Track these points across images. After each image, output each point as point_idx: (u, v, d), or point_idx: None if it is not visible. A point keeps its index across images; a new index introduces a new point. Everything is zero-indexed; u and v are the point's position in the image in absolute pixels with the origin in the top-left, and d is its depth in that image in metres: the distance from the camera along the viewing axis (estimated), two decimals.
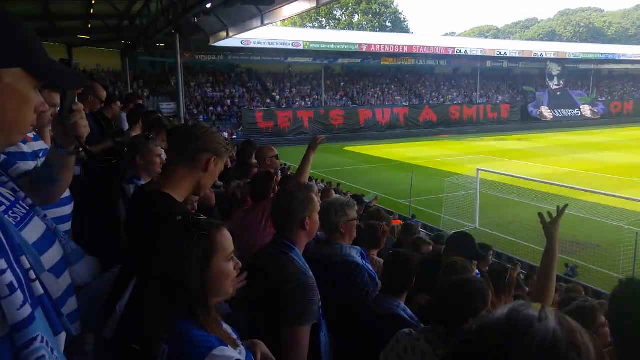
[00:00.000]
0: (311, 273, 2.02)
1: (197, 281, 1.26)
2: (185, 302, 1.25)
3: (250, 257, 2.13)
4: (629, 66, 52.15)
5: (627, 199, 11.94)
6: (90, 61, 28.89)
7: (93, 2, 13.83)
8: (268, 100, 35.91)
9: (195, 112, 31.37)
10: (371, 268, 2.58)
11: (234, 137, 27.88)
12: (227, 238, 1.35)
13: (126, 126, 4.72)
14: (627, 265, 9.05)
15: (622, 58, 48.94)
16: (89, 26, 17.98)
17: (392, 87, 42.74)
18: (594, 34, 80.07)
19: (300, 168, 3.63)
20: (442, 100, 42.51)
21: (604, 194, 13.09)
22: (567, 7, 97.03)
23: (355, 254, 2.51)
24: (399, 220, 10.81)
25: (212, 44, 21.78)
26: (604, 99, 49.13)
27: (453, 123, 40.22)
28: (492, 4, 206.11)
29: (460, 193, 14.69)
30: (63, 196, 2.20)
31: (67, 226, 2.20)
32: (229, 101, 34.42)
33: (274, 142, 26.41)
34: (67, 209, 2.19)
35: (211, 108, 33.06)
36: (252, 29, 17.02)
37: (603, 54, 48.42)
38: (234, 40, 26.09)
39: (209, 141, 1.78)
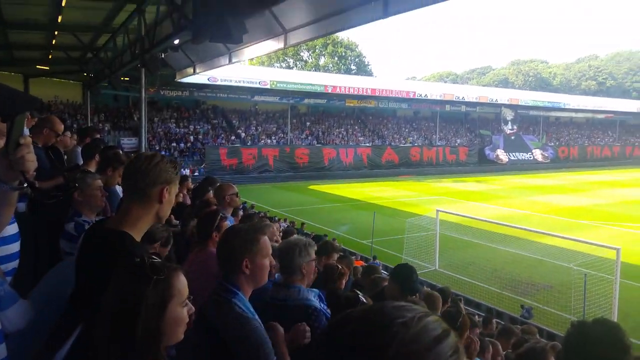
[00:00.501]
0: (257, 317, 1.93)
1: (152, 327, 1.22)
2: (137, 348, 1.20)
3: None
4: (572, 114, 55.66)
5: (577, 240, 12.44)
6: (48, 92, 28.13)
7: (56, 33, 13.65)
8: (233, 138, 35.86)
9: (158, 148, 30.91)
10: (328, 311, 2.51)
11: (196, 173, 27.58)
12: (182, 282, 1.32)
13: (81, 161, 4.56)
14: (578, 305, 9.32)
15: (566, 107, 52.05)
16: (49, 57, 17.66)
17: (356, 127, 43.68)
18: (542, 83, 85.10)
19: None
20: (403, 141, 43.70)
21: (555, 236, 13.59)
22: (518, 57, 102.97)
23: (313, 297, 2.45)
24: (361, 262, 10.84)
25: (179, 80, 21.77)
26: (552, 144, 51.77)
27: (414, 164, 41.26)
28: (451, 51, 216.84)
29: (420, 234, 14.92)
30: (8, 233, 2.10)
31: (13, 264, 2.10)
32: (192, 137, 34.14)
33: (237, 180, 26.29)
34: (14, 247, 2.09)
35: (174, 144, 32.67)
36: (219, 67, 17.16)
37: (550, 102, 51.47)
38: (200, 76, 26.19)
39: (156, 174, 1.72)
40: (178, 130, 34.32)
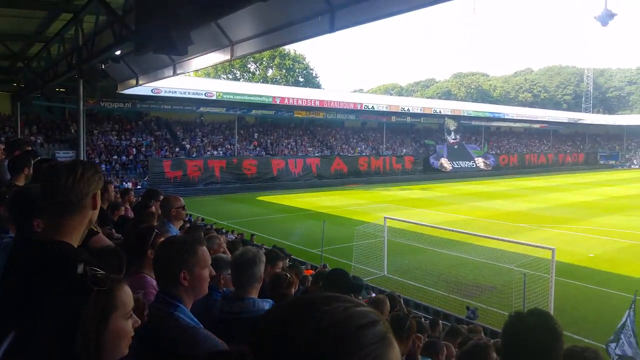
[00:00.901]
0: (202, 326, 1.88)
1: (92, 341, 1.16)
2: None
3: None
4: (511, 124, 58.85)
5: (516, 242, 13.08)
6: None
7: None
8: (177, 149, 35.03)
9: (98, 161, 29.69)
10: None
11: (139, 187, 26.70)
12: (127, 294, 1.28)
13: (8, 175, 4.28)
14: (519, 304, 9.77)
15: (506, 117, 54.92)
16: None
17: (305, 138, 43.92)
18: (483, 95, 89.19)
19: None
20: (351, 151, 44.39)
21: (497, 239, 14.23)
22: (460, 70, 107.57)
23: (268, 307, 2.42)
24: (310, 271, 10.85)
25: (120, 92, 21.06)
26: (493, 152, 54.31)
27: (362, 173, 41.96)
28: (396, 64, 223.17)
29: (369, 241, 15.15)
30: None
31: None
32: (134, 150, 33.05)
33: (182, 192, 25.67)
34: None
35: (115, 157, 31.51)
36: (163, 78, 16.76)
37: (491, 112, 54.03)
38: (143, 88, 25.46)
39: (85, 185, 1.65)
40: (119, 142, 33.13)
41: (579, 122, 64.05)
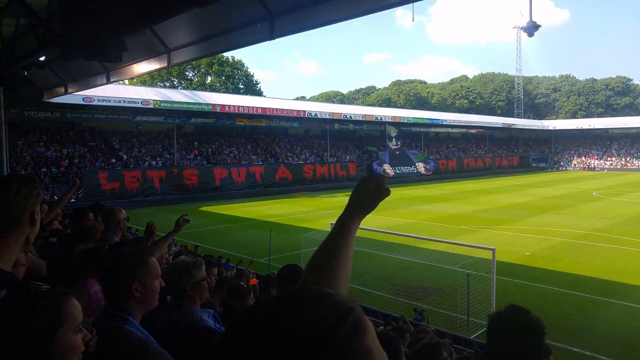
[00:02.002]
0: (152, 339, 1.80)
1: (40, 358, 1.10)
2: None
3: None
4: (449, 130, 61.34)
5: (458, 244, 13.49)
6: None
7: None
8: (114, 160, 33.49)
9: (24, 173, 27.83)
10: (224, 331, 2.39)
11: (73, 200, 25.22)
12: (76, 307, 1.22)
13: None
14: (463, 304, 10.01)
15: (444, 123, 57.07)
16: None
17: (248, 146, 43.39)
18: (421, 102, 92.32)
19: (157, 243, 3.41)
20: (296, 159, 44.34)
21: (440, 241, 14.63)
22: (399, 78, 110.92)
23: (207, 317, 2.35)
24: (255, 280, 10.58)
25: (47, 100, 19.80)
26: (433, 157, 56.19)
27: (307, 181, 41.98)
28: (338, 72, 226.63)
29: (316, 247, 15.06)
30: None
31: None
32: (66, 161, 31.24)
33: (120, 205, 24.46)
34: None
35: (44, 169, 29.62)
36: (96, 86, 15.94)
37: (430, 119, 55.93)
38: (74, 96, 24.17)
39: (21, 202, 1.54)
40: (49, 154, 31.19)
41: (512, 127, 67.84)
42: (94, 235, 3.65)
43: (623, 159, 67.26)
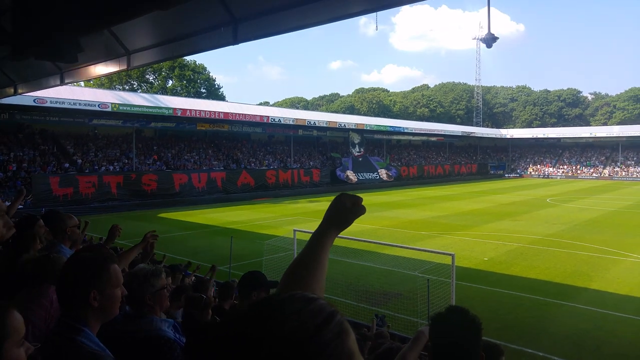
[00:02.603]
0: (109, 352, 1.72)
1: None
2: None
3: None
4: (411, 137, 62.61)
5: (419, 250, 13.66)
6: None
7: None
8: (67, 165, 32.20)
9: None
10: (184, 341, 2.33)
11: (20, 206, 24.05)
12: (18, 320, 1.20)
13: None
14: (424, 309, 10.16)
15: (405, 131, 58.16)
16: None
17: (209, 151, 42.76)
18: (384, 110, 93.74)
19: (123, 255, 3.33)
20: (258, 165, 44.03)
21: (401, 247, 14.80)
22: (362, 86, 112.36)
23: (166, 327, 2.27)
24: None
25: None
26: (395, 164, 57.10)
27: (270, 187, 41.74)
28: (302, 79, 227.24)
29: (279, 254, 14.98)
30: None
31: None
32: (14, 165, 29.79)
33: (74, 211, 23.55)
34: None
35: None
36: (49, 87, 15.31)
37: (392, 126, 56.91)
38: (24, 97, 23.18)
39: None
40: None
41: (471, 135, 69.95)
42: (31, 246, 3.43)
43: (574, 167, 70.28)
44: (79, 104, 30.44)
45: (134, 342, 2.15)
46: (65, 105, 29.74)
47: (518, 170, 73.89)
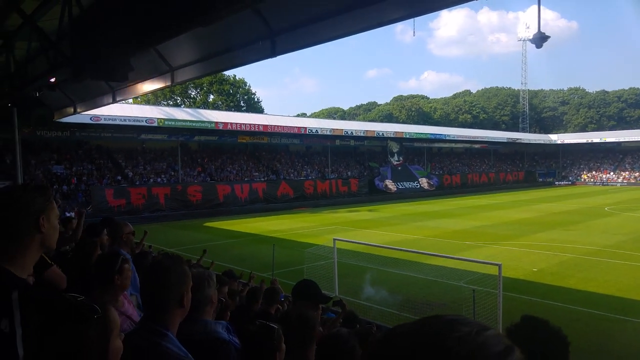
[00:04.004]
0: (191, 357, 1.83)
1: None
2: None
3: None
4: (453, 145, 61.31)
5: (464, 260, 13.40)
6: None
7: None
8: (119, 177, 33.81)
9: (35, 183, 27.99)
10: (237, 342, 2.42)
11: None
12: (115, 314, 1.36)
13: None
14: None
15: (447, 138, 57.13)
16: None
17: (250, 163, 43.62)
18: (424, 117, 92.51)
19: None
20: (297, 175, 44.49)
21: (445, 257, 14.56)
22: (400, 93, 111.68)
23: (221, 329, 2.36)
24: None
25: (58, 120, 20.11)
26: (437, 172, 56.13)
27: (308, 197, 42.03)
28: (338, 89, 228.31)
29: (319, 263, 15.09)
30: None
31: None
32: (75, 179, 31.63)
33: (127, 221, 24.52)
34: None
35: (55, 186, 29.94)
36: (102, 106, 16.20)
37: (432, 134, 56.04)
38: (82, 116, 24.52)
39: (22, 209, 1.61)
40: (59, 172, 31.63)
41: (517, 141, 67.43)
42: (93, 253, 3.69)
43: (637, 173, 65.14)
44: (129, 119, 32.02)
45: (191, 344, 2.19)
46: (117, 122, 31.41)
47: (570, 178, 69.92)
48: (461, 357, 0.54)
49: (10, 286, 1.42)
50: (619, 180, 65.17)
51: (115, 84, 12.55)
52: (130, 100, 39.67)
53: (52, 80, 9.36)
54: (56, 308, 1.25)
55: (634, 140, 64.66)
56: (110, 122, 30.99)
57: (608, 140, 67.73)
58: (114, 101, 14.36)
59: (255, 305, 5.37)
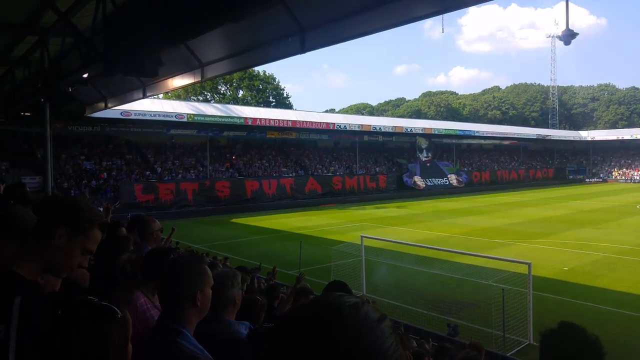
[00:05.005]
0: (207, 353, 1.81)
1: None
2: None
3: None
4: (482, 141, 60.19)
5: (493, 258, 13.14)
6: None
7: None
8: (148, 173, 34.36)
9: (67, 186, 28.83)
10: None
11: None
12: (130, 316, 1.34)
13: None
14: (498, 319, 9.75)
15: (476, 134, 56.15)
16: None
17: (278, 159, 43.78)
18: (452, 113, 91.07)
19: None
20: (325, 171, 44.42)
21: (474, 255, 14.29)
22: (429, 89, 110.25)
23: (243, 329, 2.34)
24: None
25: (89, 115, 20.60)
26: (466, 169, 55.23)
27: (336, 193, 41.93)
28: (366, 84, 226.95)
29: (346, 260, 15.01)
30: None
31: None
32: (105, 174, 32.30)
33: (154, 216, 24.95)
34: None
35: (85, 181, 30.68)
36: (133, 101, 16.47)
37: (461, 130, 55.13)
38: (112, 111, 25.01)
39: (58, 212, 1.58)
40: (89, 167, 32.34)
41: (547, 138, 66.02)
42: (126, 247, 3.70)
43: None
44: (159, 115, 32.52)
45: (213, 343, 2.18)
46: (147, 117, 31.92)
47: (601, 175, 68.37)
48: (355, 320, 0.68)
49: (15, 292, 1.39)
50: None
51: (146, 79, 12.73)
52: (161, 96, 40.38)
53: (85, 75, 9.54)
54: (77, 310, 1.23)
55: None
56: (141, 117, 31.50)
57: (639, 137, 65.83)
58: (144, 96, 14.57)
59: (275, 302, 5.34)
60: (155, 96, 29.68)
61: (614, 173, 68.03)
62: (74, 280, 2.95)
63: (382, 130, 47.17)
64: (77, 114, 20.79)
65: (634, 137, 66.25)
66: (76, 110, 18.57)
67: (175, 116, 33.54)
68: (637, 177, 64.76)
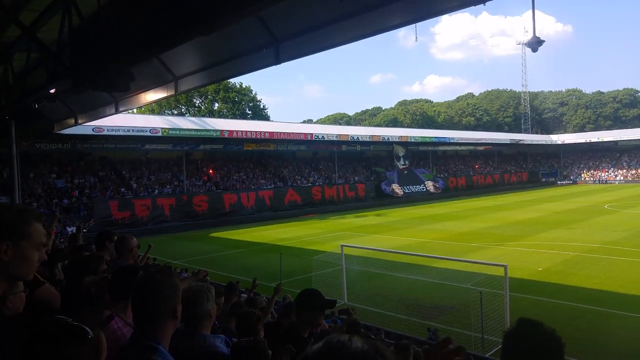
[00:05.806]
0: None
1: None
2: None
3: None
4: (457, 147, 61.20)
5: (470, 262, 13.33)
6: None
7: None
8: (123, 189, 33.75)
9: (36, 205, 28.07)
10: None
11: (85, 230, 25.32)
12: (104, 337, 1.35)
13: None
14: (477, 322, 9.84)
15: (451, 141, 57.05)
16: None
17: (257, 171, 43.60)
18: (428, 121, 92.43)
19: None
20: (304, 182, 44.41)
21: (452, 260, 14.47)
22: (404, 98, 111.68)
23: (220, 343, 2.32)
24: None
25: (58, 132, 20.11)
26: (442, 175, 55.98)
27: (316, 203, 41.92)
28: (343, 94, 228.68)
29: (327, 270, 14.98)
30: None
31: None
32: (77, 192, 31.53)
33: (131, 233, 24.49)
34: None
35: (55, 200, 29.91)
36: (105, 116, 16.17)
37: (437, 137, 55.93)
38: (83, 127, 24.50)
39: None
40: (59, 185, 31.53)
41: (520, 142, 67.69)
42: (96, 267, 3.60)
43: (634, 171, 66.28)
44: (132, 130, 31.95)
45: (191, 359, 2.18)
46: (120, 133, 31.32)
47: (571, 177, 70.45)
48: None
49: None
50: (617, 178, 66.18)
51: (117, 94, 12.53)
52: (135, 110, 39.85)
53: (52, 91, 9.34)
54: (46, 330, 1.20)
55: (630, 139, 66.31)
56: (114, 132, 30.85)
57: (605, 139, 68.69)
58: (117, 112, 14.32)
59: (286, 321, 5.30)
60: (129, 111, 29.29)
61: (583, 175, 70.10)
62: (44, 301, 2.87)
63: (360, 139, 47.50)
64: (45, 131, 20.29)
65: (600, 140, 68.77)
66: (44, 127, 18.12)
67: (149, 131, 33.05)
68: (605, 178, 66.95)
